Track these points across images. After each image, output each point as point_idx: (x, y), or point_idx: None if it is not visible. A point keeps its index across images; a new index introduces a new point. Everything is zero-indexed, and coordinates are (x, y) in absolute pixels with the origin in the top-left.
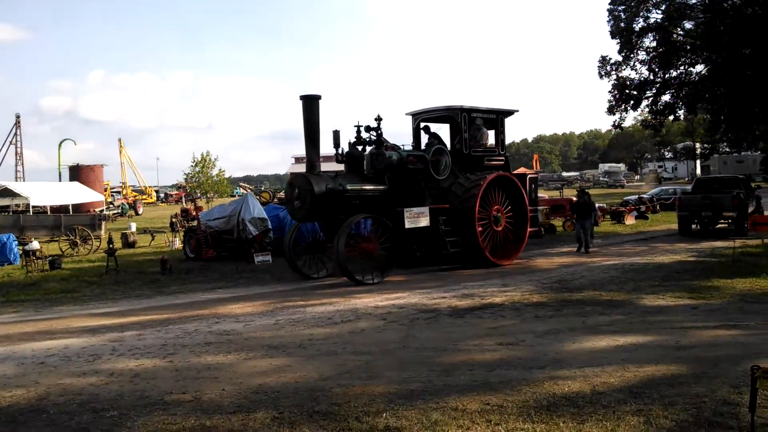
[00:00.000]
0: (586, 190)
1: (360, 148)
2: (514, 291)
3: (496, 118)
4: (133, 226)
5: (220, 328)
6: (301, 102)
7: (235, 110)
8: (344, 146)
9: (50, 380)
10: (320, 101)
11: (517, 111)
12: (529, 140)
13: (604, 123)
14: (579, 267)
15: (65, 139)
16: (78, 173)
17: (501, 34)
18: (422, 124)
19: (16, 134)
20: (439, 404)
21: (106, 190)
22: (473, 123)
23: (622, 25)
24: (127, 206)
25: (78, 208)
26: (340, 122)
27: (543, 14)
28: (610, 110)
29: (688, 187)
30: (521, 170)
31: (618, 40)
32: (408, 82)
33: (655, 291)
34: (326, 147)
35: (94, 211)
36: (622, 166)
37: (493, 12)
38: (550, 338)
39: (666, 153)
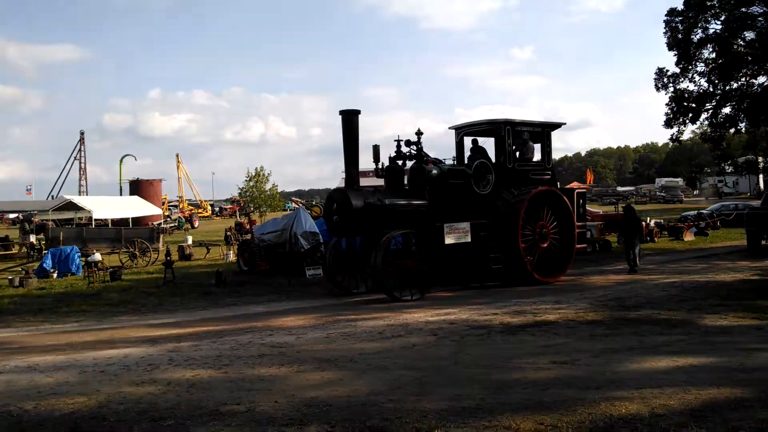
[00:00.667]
0: (632, 205)
1: (400, 162)
2: (568, 308)
3: (542, 132)
4: (190, 239)
5: (273, 340)
6: (340, 117)
7: (286, 125)
8: (385, 161)
9: (110, 388)
10: (359, 116)
11: (564, 124)
12: (583, 154)
13: (661, 136)
14: (635, 285)
15: (126, 155)
16: (138, 187)
17: (554, 45)
18: (469, 138)
19: (80, 150)
20: (491, 422)
21: (164, 204)
22: (518, 137)
23: (680, 36)
24: (183, 220)
25: (137, 221)
26: (388, 137)
27: (596, 25)
28: (668, 123)
29: (752, 203)
30: (573, 185)
31: (675, 52)
32: (455, 95)
33: (716, 311)
34: (368, 162)
35: (153, 224)
36: (679, 181)
37: (546, 22)
38: (606, 357)
39: (726, 167)
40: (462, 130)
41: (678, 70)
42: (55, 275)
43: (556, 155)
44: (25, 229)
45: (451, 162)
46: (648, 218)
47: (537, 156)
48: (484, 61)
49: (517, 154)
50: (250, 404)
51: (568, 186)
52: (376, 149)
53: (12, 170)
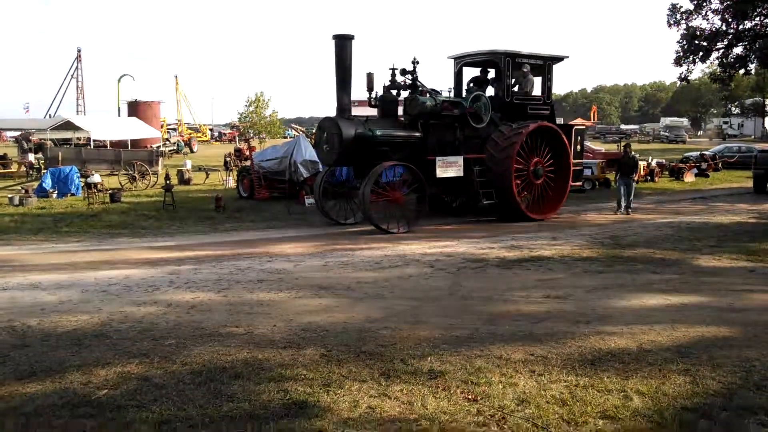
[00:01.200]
0: (628, 143)
1: (395, 92)
2: (564, 245)
3: (544, 65)
4: (189, 164)
5: (272, 266)
6: (333, 42)
7: (288, 50)
8: (379, 90)
9: (112, 307)
10: (353, 41)
11: (567, 57)
12: (588, 90)
13: (669, 75)
14: (632, 223)
15: (124, 75)
16: (136, 109)
17: None
18: (469, 69)
19: (77, 68)
20: (483, 352)
21: (162, 127)
22: (517, 69)
23: None
24: (182, 143)
25: (136, 143)
26: (383, 65)
27: None
28: (677, 61)
29: (756, 145)
30: (578, 121)
31: None
32: (455, 23)
33: (711, 251)
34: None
35: (152, 147)
36: (684, 121)
37: None
38: (598, 294)
39: (733, 108)
40: (461, 60)
41: (692, 7)
42: (54, 195)
43: (561, 90)
44: (23, 147)
45: (447, 93)
46: (650, 158)
47: (537, 90)
48: None
49: (517, 87)
50: (249, 327)
51: (572, 122)
52: (370, 77)
53: (9, 89)
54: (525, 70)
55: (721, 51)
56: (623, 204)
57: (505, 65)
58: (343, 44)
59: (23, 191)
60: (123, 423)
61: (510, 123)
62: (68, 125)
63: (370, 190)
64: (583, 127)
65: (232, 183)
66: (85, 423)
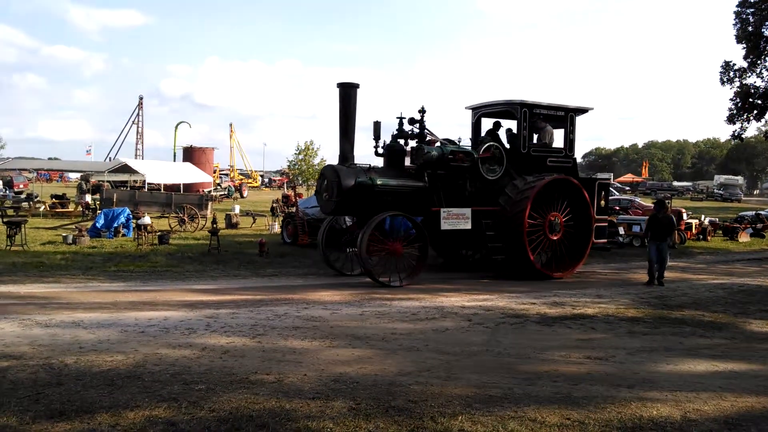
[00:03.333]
0: (666, 202)
1: (402, 141)
2: (609, 303)
3: (565, 116)
4: (237, 208)
5: (309, 313)
6: (337, 90)
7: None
8: (388, 139)
9: (148, 349)
10: (358, 89)
11: (591, 109)
12: (640, 146)
13: (723, 132)
14: (681, 284)
15: (181, 122)
16: (191, 154)
17: (616, 32)
18: (489, 120)
19: (138, 114)
20: (517, 413)
21: (215, 172)
22: (535, 120)
23: (750, 29)
24: (233, 189)
25: (188, 187)
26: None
27: (662, 14)
28: (731, 119)
29: None
30: (628, 176)
31: (744, 45)
32: (512, 80)
33: (764, 316)
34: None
35: (203, 191)
36: (739, 179)
37: (608, 9)
38: (642, 356)
39: None
40: (479, 111)
41: (746, 64)
42: (106, 235)
43: (611, 144)
44: (82, 188)
45: (467, 144)
46: (702, 216)
47: (558, 141)
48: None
49: (535, 138)
50: (280, 375)
51: (621, 178)
52: (376, 126)
53: (75, 131)
54: (542, 120)
55: None
56: (655, 274)
57: (521, 116)
58: (347, 92)
59: (77, 230)
60: None
61: (526, 176)
62: (125, 168)
63: (368, 240)
64: (608, 181)
65: (277, 228)
66: None
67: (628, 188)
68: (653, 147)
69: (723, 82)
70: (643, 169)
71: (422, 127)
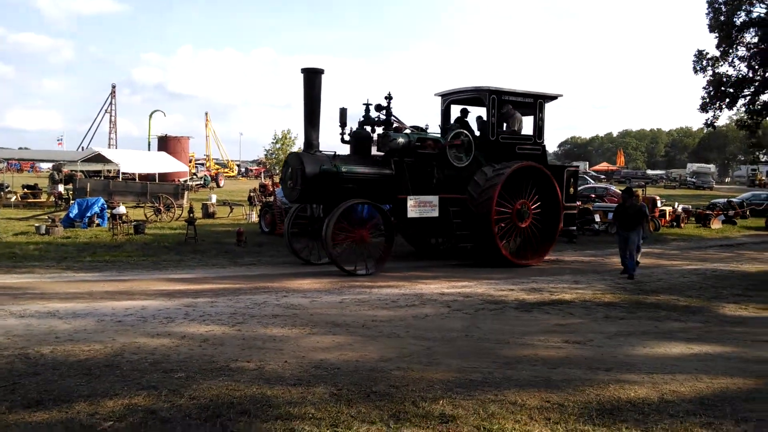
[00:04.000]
0: (634, 190)
1: (370, 129)
2: (586, 289)
3: (534, 103)
4: (214, 198)
5: (288, 301)
6: (302, 75)
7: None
8: (354, 126)
9: (126, 338)
10: (323, 75)
11: (561, 96)
12: (615, 134)
13: (696, 121)
14: (656, 269)
15: (155, 111)
16: (166, 144)
17: (592, 22)
18: (458, 107)
19: (111, 104)
20: (497, 397)
21: (190, 162)
22: (504, 107)
23: (722, 18)
24: (209, 178)
25: (164, 177)
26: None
27: (636, 3)
28: (703, 108)
29: None
30: (603, 165)
31: (716, 34)
32: (486, 69)
33: (737, 300)
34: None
35: (179, 181)
36: (711, 167)
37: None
38: (619, 340)
39: (761, 156)
40: (448, 98)
41: (718, 54)
42: (80, 225)
43: (587, 134)
44: (54, 178)
45: (435, 132)
46: (675, 203)
47: (528, 129)
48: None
49: (505, 126)
50: (260, 362)
51: (596, 167)
52: (343, 112)
53: (45, 121)
54: (511, 107)
55: (748, 98)
56: (630, 263)
57: (490, 103)
58: (312, 78)
59: (50, 221)
60: None
61: (495, 163)
62: (99, 158)
63: (333, 228)
64: (577, 168)
65: (254, 218)
66: None
67: (603, 176)
68: (628, 136)
69: (696, 71)
70: (618, 158)
71: (389, 113)
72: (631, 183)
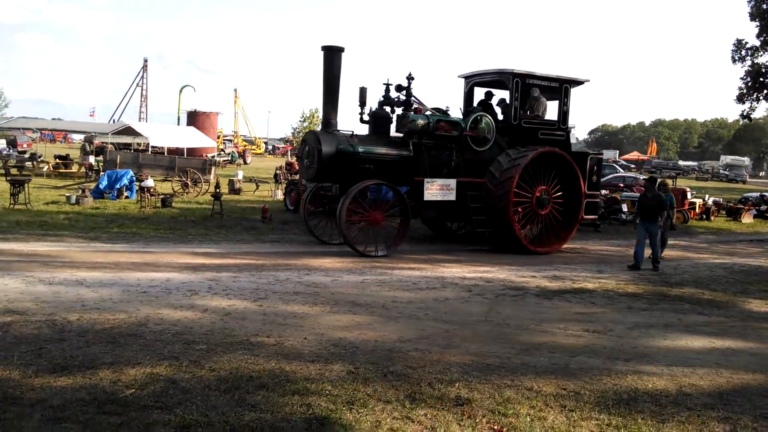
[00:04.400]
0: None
1: (389, 109)
2: (609, 279)
3: (560, 87)
4: (240, 174)
5: (310, 279)
6: (322, 53)
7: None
8: (374, 106)
9: (150, 309)
10: (343, 53)
11: (588, 81)
12: (647, 124)
13: (731, 112)
14: (683, 262)
15: (186, 86)
16: (195, 119)
17: (626, 6)
18: (482, 90)
19: (143, 77)
20: (513, 382)
21: (219, 138)
22: (528, 90)
23: (764, 6)
24: (236, 155)
25: (192, 152)
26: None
27: None
28: (740, 99)
29: None
30: (634, 154)
31: (758, 23)
32: (518, 52)
33: (763, 296)
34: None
35: (206, 156)
36: (746, 160)
37: None
38: (640, 331)
39: None
40: (471, 80)
41: (758, 43)
42: (109, 196)
43: (618, 122)
44: (85, 150)
45: (456, 115)
46: (706, 195)
47: (552, 113)
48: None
49: (529, 111)
50: (280, 338)
51: (626, 156)
52: (362, 92)
53: (79, 92)
54: (536, 91)
55: None
56: (651, 256)
57: (513, 86)
58: (331, 56)
59: (80, 191)
60: (145, 424)
61: (519, 147)
62: (129, 131)
63: (347, 209)
64: (601, 156)
65: (280, 196)
66: (109, 420)
67: (633, 166)
68: (660, 125)
69: (734, 61)
70: (650, 147)
71: (409, 94)
72: (661, 173)
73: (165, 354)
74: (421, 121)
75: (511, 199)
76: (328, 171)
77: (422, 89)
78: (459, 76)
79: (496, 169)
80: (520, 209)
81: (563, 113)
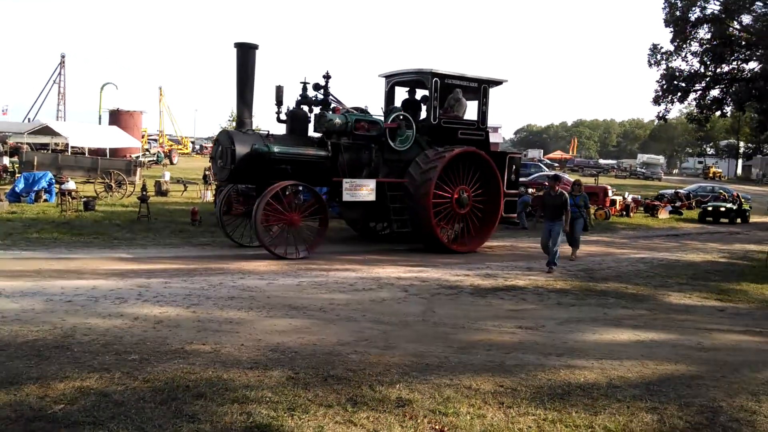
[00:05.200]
0: (560, 176)
1: (307, 108)
2: (539, 275)
3: (479, 87)
4: (167, 175)
5: (244, 283)
6: (235, 50)
7: (271, 66)
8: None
9: (76, 319)
10: (257, 51)
11: (506, 81)
12: (569, 124)
13: (648, 113)
14: (606, 257)
15: (107, 83)
16: (117, 118)
17: (548, 9)
18: (402, 89)
19: (60, 74)
20: (453, 381)
21: (143, 137)
22: (447, 90)
23: (678, 13)
24: (162, 155)
25: (115, 152)
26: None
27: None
28: (656, 100)
29: (730, 186)
30: (557, 153)
31: (672, 29)
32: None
33: (682, 289)
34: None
35: (131, 156)
36: (661, 159)
37: None
38: (570, 326)
39: (708, 149)
40: (391, 79)
41: (672, 48)
42: (26, 200)
43: (542, 122)
44: None
45: (379, 115)
46: (625, 193)
47: (472, 114)
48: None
49: (449, 110)
50: (216, 345)
51: (550, 155)
52: (279, 91)
53: None
54: (456, 91)
55: (699, 92)
56: (550, 255)
57: (432, 85)
58: (245, 53)
59: None
60: None
61: (437, 148)
62: (47, 130)
63: (262, 210)
64: (519, 155)
65: (210, 197)
66: None
67: (557, 164)
68: (582, 125)
69: (651, 64)
70: (572, 147)
71: (326, 93)
72: (584, 171)
73: (95, 366)
74: (338, 121)
75: (430, 200)
76: (243, 172)
77: (343, 88)
78: (380, 76)
79: (415, 170)
80: (441, 209)
81: (482, 113)
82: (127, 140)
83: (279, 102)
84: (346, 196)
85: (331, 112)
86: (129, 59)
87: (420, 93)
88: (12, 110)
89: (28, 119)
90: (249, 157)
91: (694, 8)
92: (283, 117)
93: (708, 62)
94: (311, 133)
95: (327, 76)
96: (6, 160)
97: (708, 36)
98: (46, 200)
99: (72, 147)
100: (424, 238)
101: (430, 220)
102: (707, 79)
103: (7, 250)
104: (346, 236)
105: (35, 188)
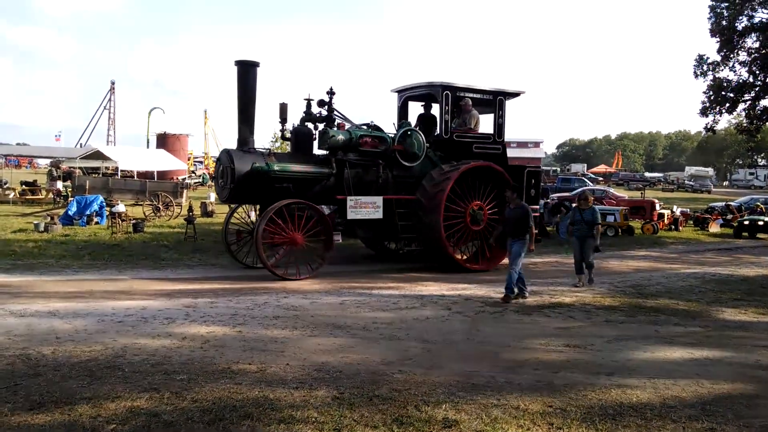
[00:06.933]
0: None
1: (312, 126)
2: (585, 292)
3: (494, 100)
4: (212, 196)
5: (289, 302)
6: (236, 68)
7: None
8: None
9: (127, 339)
10: (258, 68)
11: (523, 93)
12: (613, 137)
13: (695, 125)
14: (655, 273)
15: (154, 108)
16: (165, 141)
17: (590, 20)
18: (416, 104)
19: (110, 100)
20: (500, 401)
21: (189, 159)
22: (459, 104)
23: (724, 23)
24: (207, 176)
25: (162, 175)
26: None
27: (638, 6)
28: (703, 112)
29: None
30: (601, 167)
31: (718, 39)
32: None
33: (736, 305)
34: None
35: (177, 179)
36: (710, 171)
37: (587, 3)
38: (620, 344)
39: (759, 160)
40: (404, 94)
41: (719, 58)
42: (79, 223)
43: (585, 136)
44: (52, 175)
45: (391, 130)
46: (674, 206)
47: (486, 127)
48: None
49: (465, 123)
50: (262, 365)
51: (594, 169)
52: (283, 108)
53: (43, 116)
54: (468, 104)
55: (748, 103)
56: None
57: (443, 99)
58: (246, 71)
59: (49, 218)
60: None
61: (453, 162)
62: (97, 155)
63: (263, 230)
64: (539, 169)
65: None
66: None
67: (601, 179)
68: (626, 138)
69: (696, 75)
70: (616, 160)
71: (331, 109)
72: (629, 185)
73: (145, 386)
74: (341, 137)
75: (441, 214)
76: (244, 191)
77: (354, 104)
78: (392, 91)
79: (428, 182)
80: (453, 227)
81: (498, 126)
82: (174, 163)
83: (284, 119)
84: (351, 214)
85: (335, 129)
86: (175, 83)
87: (436, 108)
88: (65, 135)
89: (80, 144)
90: (249, 176)
91: (741, 17)
92: (288, 135)
93: (757, 72)
94: (316, 150)
95: (331, 92)
96: (60, 185)
97: (756, 45)
98: (97, 223)
99: (122, 170)
100: (435, 255)
101: (441, 236)
102: (757, 89)
103: (61, 271)
104: (359, 255)
105: (87, 212)
